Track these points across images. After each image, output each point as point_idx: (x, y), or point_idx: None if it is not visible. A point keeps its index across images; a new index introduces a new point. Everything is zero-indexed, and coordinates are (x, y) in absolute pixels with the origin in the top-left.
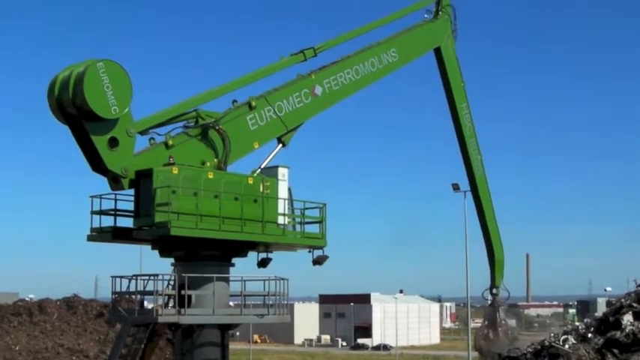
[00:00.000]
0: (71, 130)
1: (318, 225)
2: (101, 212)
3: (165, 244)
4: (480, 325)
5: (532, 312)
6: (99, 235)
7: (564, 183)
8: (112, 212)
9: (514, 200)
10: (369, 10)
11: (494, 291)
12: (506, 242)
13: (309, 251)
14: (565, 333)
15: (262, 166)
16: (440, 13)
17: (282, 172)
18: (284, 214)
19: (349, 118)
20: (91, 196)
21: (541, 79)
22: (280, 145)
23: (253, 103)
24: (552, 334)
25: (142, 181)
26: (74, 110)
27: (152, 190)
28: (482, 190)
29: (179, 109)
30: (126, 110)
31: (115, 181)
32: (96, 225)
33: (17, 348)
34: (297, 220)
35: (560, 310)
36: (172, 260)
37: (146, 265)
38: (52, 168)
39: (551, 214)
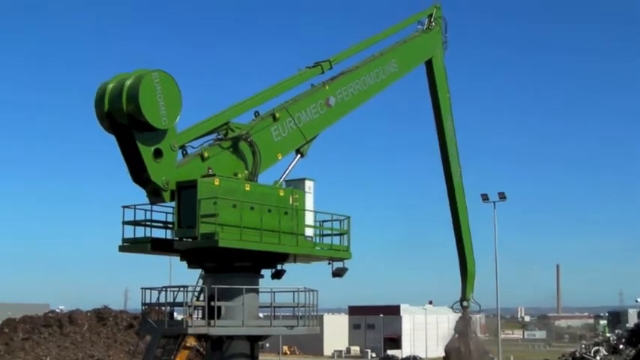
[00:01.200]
0: (117, 140)
1: (339, 237)
2: (136, 223)
3: (198, 255)
4: (455, 336)
5: (562, 323)
6: (132, 245)
7: (595, 196)
8: (148, 223)
9: (545, 211)
10: (368, 13)
11: (465, 303)
12: (536, 254)
13: (329, 263)
14: (596, 344)
15: (285, 178)
16: (432, 24)
17: (309, 185)
18: (313, 226)
19: (374, 129)
20: (124, 207)
21: (578, 94)
22: (299, 156)
23: (277, 115)
24: (583, 346)
25: (183, 192)
26: (125, 119)
27: (196, 201)
28: (460, 202)
29: (216, 122)
30: (175, 122)
31: (155, 194)
32: (128, 235)
33: (48, 359)
34: (324, 232)
35: (591, 321)
36: (199, 271)
37: (172, 275)
38: (80, 179)
39: (582, 224)
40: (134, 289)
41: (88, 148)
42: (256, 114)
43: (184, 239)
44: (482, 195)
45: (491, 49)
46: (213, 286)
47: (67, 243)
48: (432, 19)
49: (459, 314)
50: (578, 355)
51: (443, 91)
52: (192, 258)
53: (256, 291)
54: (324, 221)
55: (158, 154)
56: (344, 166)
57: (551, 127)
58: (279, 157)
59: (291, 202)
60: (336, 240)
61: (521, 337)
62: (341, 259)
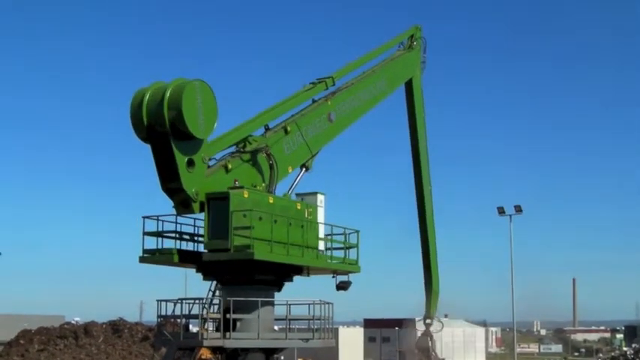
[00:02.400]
0: (153, 148)
1: (348, 250)
2: (160, 234)
3: (216, 267)
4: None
5: (579, 337)
6: (154, 256)
7: (612, 208)
8: (171, 234)
9: (562, 224)
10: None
11: (428, 321)
12: (553, 267)
13: (333, 277)
14: (613, 358)
15: (292, 192)
16: (414, 43)
17: (320, 199)
18: (325, 239)
19: (387, 141)
20: (144, 217)
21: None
22: (304, 169)
23: (289, 128)
24: None
25: (213, 203)
26: (165, 127)
27: (227, 213)
28: (429, 221)
29: (239, 135)
30: (211, 133)
31: (184, 205)
32: (148, 246)
33: None
34: (335, 245)
35: (608, 335)
36: (211, 283)
37: (186, 287)
38: (96, 190)
39: (599, 237)
40: (149, 301)
41: (104, 159)
42: (266, 127)
43: (215, 251)
44: (499, 208)
45: (503, 61)
46: (228, 298)
47: (83, 254)
48: (413, 39)
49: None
50: None
51: (420, 110)
52: (208, 270)
53: (272, 303)
54: (333, 234)
55: (191, 164)
56: (347, 178)
57: (568, 138)
58: (290, 171)
59: (306, 215)
60: (339, 252)
61: (537, 350)
62: (351, 272)
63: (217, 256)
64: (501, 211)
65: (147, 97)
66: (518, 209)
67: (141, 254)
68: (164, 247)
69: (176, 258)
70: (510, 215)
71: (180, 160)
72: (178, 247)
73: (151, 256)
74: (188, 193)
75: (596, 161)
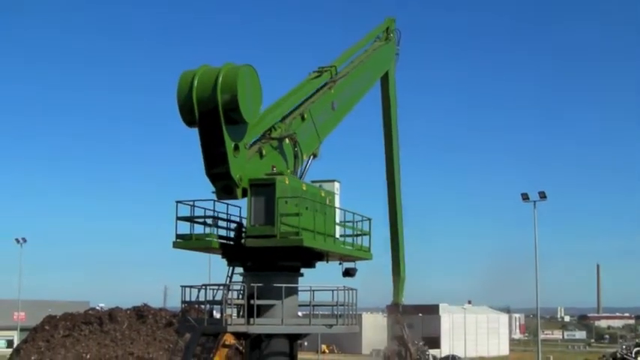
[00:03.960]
0: (201, 133)
1: (360, 238)
2: (192, 220)
3: (242, 253)
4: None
5: (602, 323)
6: (189, 242)
7: (636, 195)
8: (201, 220)
9: (586, 211)
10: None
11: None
12: (577, 253)
13: (340, 263)
14: (637, 345)
15: (303, 179)
16: (390, 35)
17: (337, 186)
18: (344, 226)
19: (411, 131)
20: (177, 202)
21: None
22: (312, 156)
23: (305, 115)
24: (624, 346)
25: (257, 190)
26: (218, 112)
27: (273, 200)
28: (399, 211)
29: (270, 122)
30: (257, 119)
31: (226, 191)
32: (181, 232)
33: (88, 356)
34: (351, 232)
35: (632, 321)
36: (228, 269)
37: (204, 273)
38: (121, 176)
39: (623, 223)
40: (173, 287)
41: (127, 147)
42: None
43: (260, 237)
44: (523, 194)
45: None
46: (252, 284)
47: (107, 241)
48: (389, 32)
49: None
50: (618, 355)
51: (394, 103)
52: (234, 256)
53: (295, 290)
54: (348, 222)
55: (236, 149)
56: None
57: (594, 128)
58: (304, 158)
59: (327, 202)
60: (357, 240)
61: (561, 337)
62: (365, 259)
63: (263, 242)
64: (525, 197)
65: (196, 81)
66: (542, 195)
67: (174, 239)
68: (194, 232)
69: (215, 244)
70: (534, 201)
71: (229, 145)
72: (200, 232)
73: (186, 242)
74: (234, 178)
75: (620, 151)
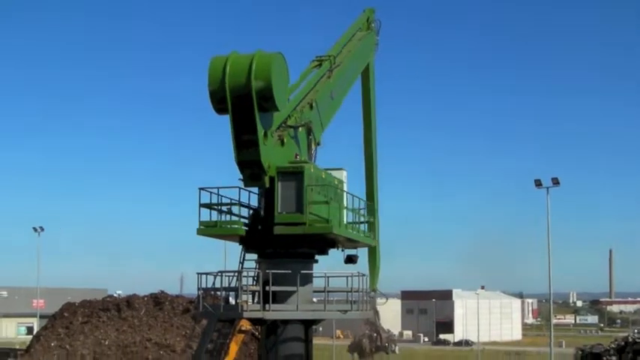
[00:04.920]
0: (232, 120)
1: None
2: (211, 207)
3: (259, 240)
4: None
5: (614, 308)
6: (213, 229)
7: None
8: (221, 208)
9: (599, 196)
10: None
11: (372, 294)
12: (589, 238)
13: (342, 250)
14: None
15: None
16: (371, 25)
17: (344, 174)
18: (357, 213)
19: (419, 115)
20: (200, 189)
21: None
22: (316, 145)
23: (313, 104)
24: (636, 331)
25: (285, 177)
26: (251, 99)
27: (302, 187)
28: (376, 196)
29: (287, 111)
30: (285, 106)
31: (254, 178)
32: (204, 219)
33: (107, 342)
34: (360, 219)
35: None
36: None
37: (220, 260)
38: (136, 166)
39: (635, 208)
40: (189, 274)
41: (145, 136)
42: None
43: (289, 225)
44: (536, 181)
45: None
46: (268, 271)
47: (125, 229)
48: (370, 22)
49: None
50: (630, 340)
51: (373, 92)
52: (251, 243)
53: (310, 276)
54: (357, 209)
55: (265, 137)
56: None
57: (601, 109)
58: (313, 146)
59: (339, 190)
60: (362, 227)
61: (573, 322)
62: (370, 245)
63: (292, 229)
64: (538, 183)
65: (229, 67)
66: (555, 182)
67: (198, 226)
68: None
69: (241, 230)
70: (547, 188)
71: (260, 132)
72: (216, 219)
73: (211, 229)
74: (264, 165)
75: (629, 133)
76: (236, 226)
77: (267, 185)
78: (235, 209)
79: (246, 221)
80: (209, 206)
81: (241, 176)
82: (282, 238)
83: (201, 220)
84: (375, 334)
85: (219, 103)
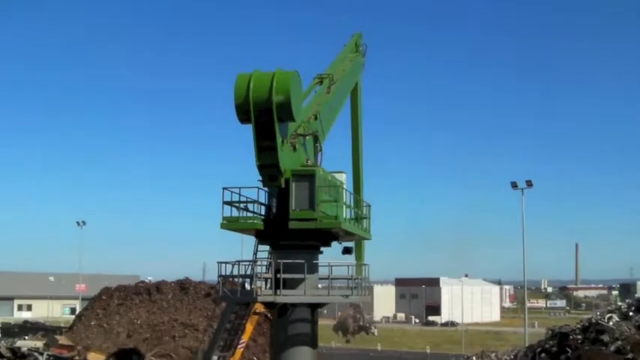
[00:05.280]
0: (255, 129)
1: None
2: (232, 204)
3: (273, 233)
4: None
5: (580, 294)
6: (236, 223)
7: (611, 180)
8: (242, 206)
9: (568, 194)
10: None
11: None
12: (559, 233)
13: (339, 242)
14: (609, 312)
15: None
16: (360, 48)
17: (344, 177)
18: (360, 212)
19: (414, 114)
20: (224, 188)
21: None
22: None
23: (317, 116)
24: (598, 313)
25: (299, 179)
26: (272, 111)
27: (314, 188)
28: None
29: (300, 120)
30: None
31: (272, 179)
32: (226, 214)
33: (139, 322)
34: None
35: (605, 292)
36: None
37: (237, 250)
38: (164, 163)
39: (599, 208)
40: (211, 263)
41: (174, 133)
42: None
43: (302, 220)
44: (512, 183)
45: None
46: (279, 260)
47: (155, 223)
48: (357, 45)
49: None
50: (593, 320)
51: (360, 108)
52: (265, 236)
53: (316, 265)
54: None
55: (282, 143)
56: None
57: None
58: (319, 152)
59: (340, 190)
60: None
61: (544, 305)
62: (366, 239)
63: (305, 224)
64: (514, 185)
65: (252, 83)
66: (529, 184)
67: (221, 221)
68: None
69: (260, 225)
70: (522, 189)
71: (279, 139)
72: (237, 215)
73: (233, 223)
74: (281, 168)
75: (600, 127)
76: (255, 221)
77: (283, 186)
78: (252, 206)
79: (262, 217)
80: (230, 203)
81: (260, 178)
82: (293, 231)
83: (224, 215)
84: (358, 315)
85: (243, 114)
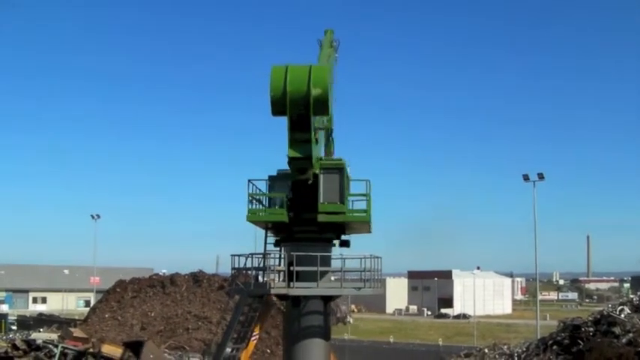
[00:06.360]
0: (290, 122)
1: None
2: (253, 197)
3: (285, 227)
4: None
5: (591, 286)
6: (262, 215)
7: (624, 174)
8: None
9: (580, 187)
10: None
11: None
12: (571, 225)
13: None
14: (621, 304)
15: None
16: (333, 44)
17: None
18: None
19: (427, 103)
20: (249, 180)
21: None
22: None
23: None
24: (610, 305)
25: (327, 172)
26: (309, 104)
27: (343, 181)
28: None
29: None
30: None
31: (302, 172)
32: (252, 207)
33: (153, 314)
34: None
35: (617, 284)
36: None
37: (250, 243)
38: (179, 158)
39: (611, 200)
40: (224, 255)
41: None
42: None
43: (331, 214)
44: (524, 175)
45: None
46: (292, 253)
47: (169, 216)
48: (330, 41)
49: None
50: (605, 313)
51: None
52: (280, 229)
53: (329, 257)
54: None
55: (314, 137)
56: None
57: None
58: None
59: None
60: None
61: (556, 297)
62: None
63: (334, 217)
64: (526, 178)
65: (289, 76)
66: (540, 176)
67: (247, 213)
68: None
69: (285, 217)
70: (534, 182)
71: (313, 132)
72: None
73: (259, 215)
74: (313, 161)
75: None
76: (279, 213)
77: (312, 178)
78: (265, 200)
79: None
80: (252, 196)
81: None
82: (308, 224)
83: (249, 208)
84: (335, 308)
85: (280, 107)
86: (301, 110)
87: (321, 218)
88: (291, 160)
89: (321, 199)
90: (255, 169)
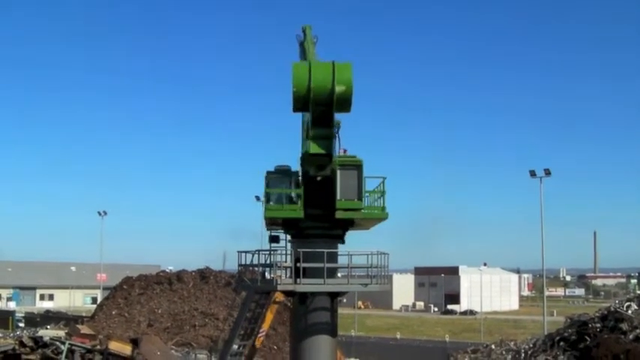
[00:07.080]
0: (313, 118)
1: None
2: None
3: (298, 223)
4: None
5: (599, 282)
6: (280, 211)
7: (629, 170)
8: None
9: (586, 183)
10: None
11: None
12: (577, 221)
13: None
14: (628, 300)
15: None
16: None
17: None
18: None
19: (432, 100)
20: (267, 172)
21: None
22: None
23: None
24: (617, 301)
25: (344, 168)
26: (332, 101)
27: (361, 178)
28: None
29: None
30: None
31: (320, 168)
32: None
33: (160, 311)
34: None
35: (624, 280)
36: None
37: (257, 239)
38: (186, 155)
39: (617, 196)
40: (231, 252)
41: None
42: None
43: (349, 210)
44: (531, 171)
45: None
46: (299, 249)
47: (175, 213)
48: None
49: None
50: (612, 309)
51: None
52: (291, 225)
53: (336, 254)
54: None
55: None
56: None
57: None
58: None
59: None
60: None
61: (563, 294)
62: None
63: (352, 214)
64: (532, 174)
65: (314, 72)
66: (547, 172)
67: (265, 209)
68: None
69: (301, 214)
70: (540, 177)
71: (333, 129)
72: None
73: (277, 211)
74: (333, 157)
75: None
76: (296, 210)
77: (329, 174)
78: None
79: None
80: (267, 195)
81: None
82: (317, 220)
83: (267, 205)
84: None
85: (300, 103)
86: (324, 107)
87: (339, 215)
88: (313, 157)
89: (338, 196)
90: (261, 167)
